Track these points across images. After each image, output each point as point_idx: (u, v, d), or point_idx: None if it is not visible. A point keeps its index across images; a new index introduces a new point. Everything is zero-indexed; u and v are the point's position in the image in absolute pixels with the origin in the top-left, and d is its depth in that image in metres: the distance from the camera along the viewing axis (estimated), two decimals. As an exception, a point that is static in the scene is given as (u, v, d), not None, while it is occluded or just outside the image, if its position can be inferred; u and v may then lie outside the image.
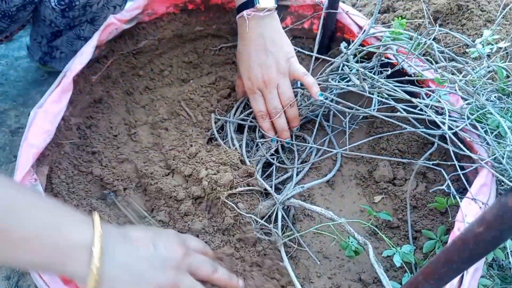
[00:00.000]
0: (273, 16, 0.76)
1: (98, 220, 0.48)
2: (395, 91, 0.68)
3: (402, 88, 0.71)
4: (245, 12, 0.75)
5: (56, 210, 0.47)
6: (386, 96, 0.70)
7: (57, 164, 0.68)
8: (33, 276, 0.52)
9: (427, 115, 0.66)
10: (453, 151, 0.66)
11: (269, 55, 0.75)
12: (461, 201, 0.61)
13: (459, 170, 0.63)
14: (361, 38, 0.73)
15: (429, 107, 0.67)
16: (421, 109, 0.67)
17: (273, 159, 0.78)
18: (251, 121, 0.81)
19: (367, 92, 0.69)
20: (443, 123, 0.64)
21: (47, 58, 1.00)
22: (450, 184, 0.61)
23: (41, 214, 0.45)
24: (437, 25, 1.00)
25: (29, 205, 0.45)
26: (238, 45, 0.80)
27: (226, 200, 0.66)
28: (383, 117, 0.69)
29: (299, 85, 0.82)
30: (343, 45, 0.80)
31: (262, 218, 0.67)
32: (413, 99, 0.67)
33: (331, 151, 0.78)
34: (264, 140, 0.79)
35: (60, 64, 0.99)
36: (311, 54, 0.88)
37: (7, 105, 1.08)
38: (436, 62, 0.76)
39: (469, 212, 0.58)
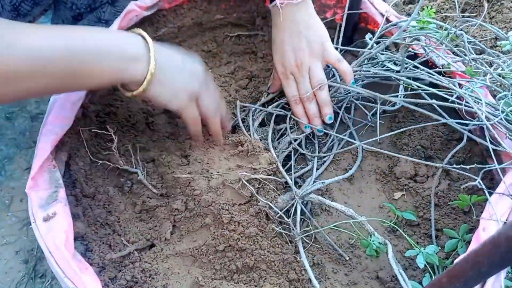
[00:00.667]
0: (307, 3, 0.76)
1: (150, 39, 0.61)
2: (432, 76, 0.66)
3: (432, 77, 0.69)
4: (278, 1, 0.74)
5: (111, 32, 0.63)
6: (415, 87, 0.68)
7: (76, 151, 0.68)
8: (49, 262, 0.52)
9: (466, 104, 0.63)
10: (480, 147, 0.64)
11: (303, 39, 0.75)
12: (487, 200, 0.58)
13: (496, 163, 0.60)
14: (398, 34, 0.70)
15: (461, 99, 0.64)
16: (452, 101, 0.65)
17: (295, 151, 0.77)
18: (279, 111, 0.80)
19: (402, 73, 0.66)
20: (478, 115, 0.61)
21: (68, 43, 1.00)
22: (480, 181, 0.58)
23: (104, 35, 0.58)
24: (465, 17, 0.96)
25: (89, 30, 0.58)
26: (272, 34, 0.80)
27: (246, 183, 0.65)
28: (411, 107, 0.66)
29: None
30: (368, 36, 0.78)
31: (280, 211, 0.66)
32: (451, 86, 0.64)
33: (353, 143, 0.76)
34: (291, 128, 0.77)
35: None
36: (337, 46, 0.85)
37: (27, 91, 1.08)
38: (464, 56, 0.74)
39: (496, 211, 0.55)
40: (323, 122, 0.78)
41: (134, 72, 0.59)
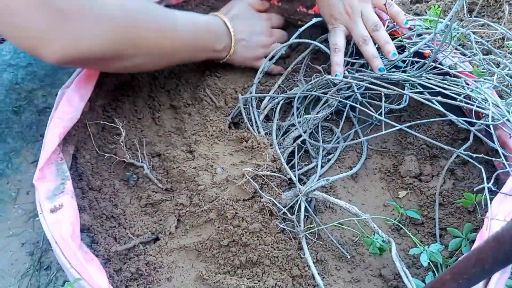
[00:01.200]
0: None
1: (227, 19, 0.79)
2: (440, 82, 0.66)
3: (439, 78, 0.68)
4: None
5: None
6: (420, 88, 0.68)
7: (83, 144, 0.69)
8: (55, 253, 0.53)
9: (478, 103, 0.63)
10: (486, 147, 0.64)
11: None
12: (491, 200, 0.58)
13: (504, 159, 0.60)
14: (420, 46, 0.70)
15: (468, 97, 0.64)
16: (460, 101, 0.64)
17: (300, 148, 0.77)
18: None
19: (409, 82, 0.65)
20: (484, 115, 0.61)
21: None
22: (485, 178, 0.58)
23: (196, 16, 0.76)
24: (473, 16, 0.96)
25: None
26: None
27: (250, 179, 0.65)
28: (418, 98, 0.65)
29: None
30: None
31: (284, 208, 0.66)
32: (457, 87, 0.64)
33: (358, 145, 0.76)
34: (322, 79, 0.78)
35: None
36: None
37: (35, 85, 1.09)
38: (472, 55, 0.73)
39: (501, 211, 0.55)
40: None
41: (225, 43, 0.79)
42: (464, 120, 0.67)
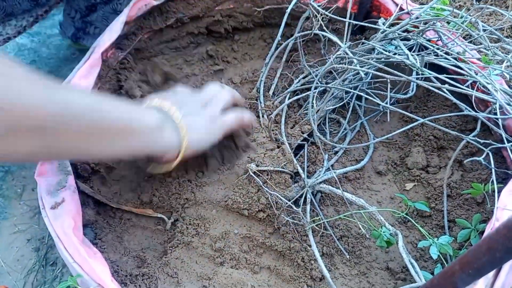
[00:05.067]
0: None
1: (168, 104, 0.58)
2: (448, 62, 0.64)
3: (448, 63, 0.67)
4: None
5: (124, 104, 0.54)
6: (428, 74, 0.66)
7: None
8: (58, 248, 0.53)
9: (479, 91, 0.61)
10: (495, 137, 0.62)
11: None
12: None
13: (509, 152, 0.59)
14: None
15: (475, 87, 0.63)
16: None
17: (306, 141, 0.76)
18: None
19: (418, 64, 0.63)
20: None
21: (80, 34, 1.00)
22: (493, 169, 0.56)
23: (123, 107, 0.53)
24: (483, 4, 0.94)
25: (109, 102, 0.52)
26: None
27: (253, 175, 0.64)
28: (425, 85, 0.63)
29: None
30: (381, 21, 0.76)
31: (289, 201, 0.66)
32: (467, 72, 0.62)
33: (365, 134, 0.74)
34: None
35: (92, 40, 0.99)
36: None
37: (39, 82, 1.09)
38: (479, 44, 0.72)
39: (510, 201, 0.54)
40: None
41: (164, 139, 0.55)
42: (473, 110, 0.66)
